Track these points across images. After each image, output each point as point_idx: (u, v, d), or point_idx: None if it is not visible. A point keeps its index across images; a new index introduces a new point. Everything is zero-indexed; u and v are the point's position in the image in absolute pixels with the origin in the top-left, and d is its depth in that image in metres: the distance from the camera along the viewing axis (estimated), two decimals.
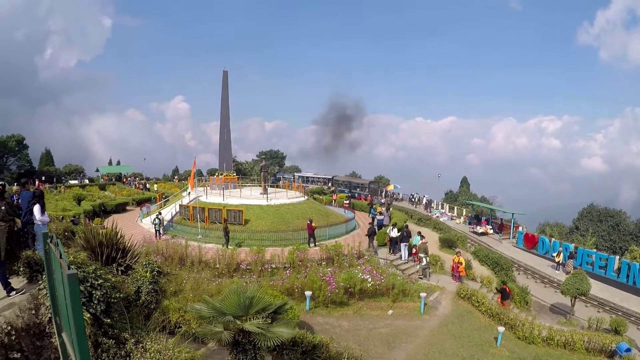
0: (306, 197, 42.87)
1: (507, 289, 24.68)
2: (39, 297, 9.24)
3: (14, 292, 9.79)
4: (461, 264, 26.67)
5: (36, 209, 12.18)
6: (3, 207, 10.91)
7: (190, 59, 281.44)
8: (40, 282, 9.78)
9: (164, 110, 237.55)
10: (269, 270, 24.00)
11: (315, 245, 29.04)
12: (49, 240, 5.92)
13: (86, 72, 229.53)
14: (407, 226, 31.14)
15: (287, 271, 23.20)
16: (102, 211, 43.63)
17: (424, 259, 26.45)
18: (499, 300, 24.43)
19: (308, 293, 20.81)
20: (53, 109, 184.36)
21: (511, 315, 21.03)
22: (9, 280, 10.06)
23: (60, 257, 4.72)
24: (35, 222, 12.26)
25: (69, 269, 4.18)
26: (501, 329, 18.97)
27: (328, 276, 21.88)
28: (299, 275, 22.77)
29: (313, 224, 30.41)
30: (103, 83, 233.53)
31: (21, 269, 10.65)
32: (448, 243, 34.91)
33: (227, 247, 27.59)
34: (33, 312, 8.90)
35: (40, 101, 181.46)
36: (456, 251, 28.69)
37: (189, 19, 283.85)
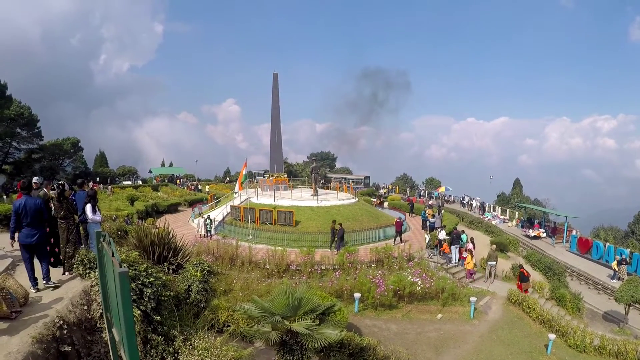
0: (357, 199, 42.99)
1: (524, 271, 25.30)
2: (91, 293, 9.76)
3: (51, 285, 10.35)
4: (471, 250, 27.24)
5: (88, 208, 12.63)
6: (64, 206, 11.55)
7: (241, 62, 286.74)
8: (93, 279, 10.15)
9: (215, 112, 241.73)
10: (319, 271, 24.21)
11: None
12: (102, 239, 6.35)
13: (139, 76, 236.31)
14: (456, 229, 31.07)
15: (337, 273, 23.35)
16: (155, 211, 44.63)
17: (491, 267, 26.47)
18: (518, 284, 25.09)
19: (357, 295, 20.92)
20: (107, 113, 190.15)
21: (563, 323, 20.79)
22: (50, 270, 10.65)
23: (112, 255, 5.08)
24: (87, 221, 12.86)
25: (120, 267, 4.44)
26: (552, 336, 18.74)
27: (377, 278, 21.97)
28: (348, 277, 22.84)
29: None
30: (155, 87, 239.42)
31: (75, 265, 10.95)
32: (500, 247, 34.52)
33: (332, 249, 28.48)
34: (85, 307, 9.36)
35: (95, 105, 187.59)
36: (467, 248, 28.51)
37: (239, 24, 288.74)
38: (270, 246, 28.82)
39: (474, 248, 27.52)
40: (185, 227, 36.32)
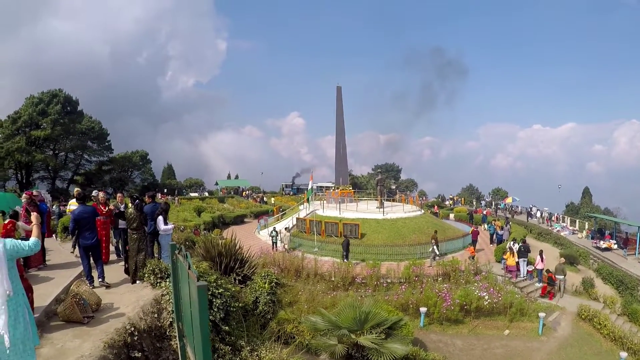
0: (422, 211, 42.95)
1: (552, 276, 25.64)
2: (162, 302, 10.32)
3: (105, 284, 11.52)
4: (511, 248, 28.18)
5: (159, 220, 13.37)
6: (139, 218, 12.37)
7: (303, 76, 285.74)
8: (163, 288, 10.79)
9: (280, 126, 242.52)
10: (385, 285, 24.28)
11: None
12: (176, 252, 6.86)
13: (204, 91, 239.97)
14: (524, 241, 30.81)
15: (403, 286, 23.32)
16: (221, 223, 45.74)
17: (560, 281, 26.32)
18: (544, 289, 25.65)
19: (423, 309, 20.96)
20: (174, 127, 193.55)
21: (635, 340, 20.39)
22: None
23: (189, 269, 5.37)
24: (159, 232, 13.62)
25: (198, 280, 4.75)
26: (624, 354, 18.27)
27: (444, 292, 21.92)
28: (414, 290, 22.84)
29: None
30: (220, 102, 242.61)
31: (146, 275, 11.66)
32: (570, 259, 33.91)
33: (345, 261, 28.07)
34: (155, 315, 9.92)
35: (162, 119, 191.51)
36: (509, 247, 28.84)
37: (299, 37, 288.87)
38: (335, 259, 29.29)
39: (543, 261, 27.28)
40: (252, 239, 37.12)
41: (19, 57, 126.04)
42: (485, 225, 44.72)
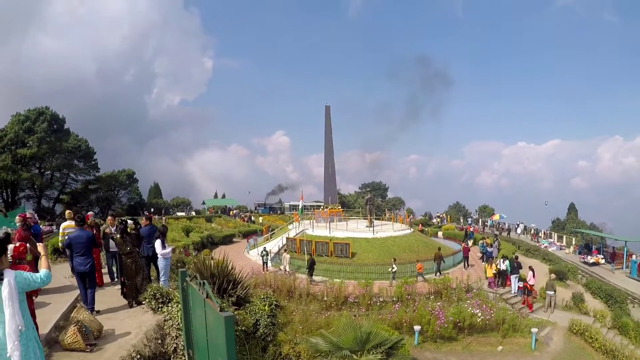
0: (412, 230, 43.27)
1: (528, 285, 26.95)
2: (165, 327, 10.29)
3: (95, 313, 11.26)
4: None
5: (157, 243, 13.65)
6: (128, 242, 12.54)
7: (289, 94, 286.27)
8: (166, 313, 10.77)
9: (265, 144, 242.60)
10: (378, 303, 24.57)
11: (311, 278, 29.62)
12: (187, 279, 7.14)
13: (190, 109, 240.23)
14: (517, 257, 31.27)
15: (396, 305, 23.74)
16: (210, 243, 45.47)
17: (551, 296, 26.77)
18: (526, 300, 26.46)
19: (417, 327, 21.29)
20: (160, 145, 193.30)
21: (626, 352, 20.83)
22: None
23: (207, 297, 5.66)
24: (157, 255, 13.88)
25: (220, 310, 5.01)
26: None
27: (437, 310, 22.27)
28: (407, 309, 23.16)
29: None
30: (206, 120, 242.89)
31: (147, 299, 11.55)
32: (559, 275, 34.24)
33: (309, 278, 29.10)
34: (159, 341, 9.91)
35: (148, 137, 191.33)
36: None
37: (285, 58, 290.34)
38: (326, 278, 29.59)
39: (534, 277, 27.72)
40: (241, 259, 37.08)
41: (5, 71, 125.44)
42: (470, 242, 45.09)
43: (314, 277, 29.99)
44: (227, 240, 50.57)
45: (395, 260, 30.94)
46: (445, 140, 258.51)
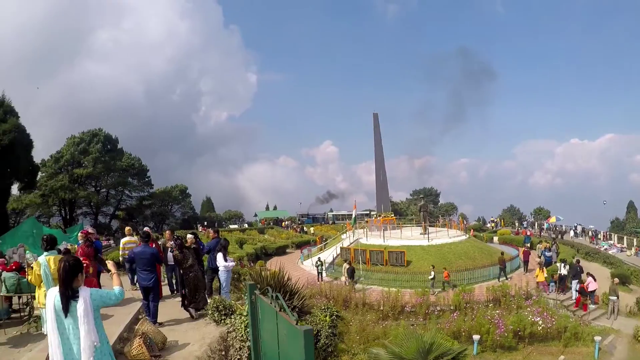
0: (467, 236, 43.02)
1: (584, 287, 25.96)
2: (228, 339, 10.47)
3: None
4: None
5: (219, 256, 13.99)
6: (187, 257, 12.82)
7: (335, 104, 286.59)
8: (229, 325, 10.98)
9: (314, 155, 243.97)
10: (435, 312, 24.33)
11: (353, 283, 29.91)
12: (257, 292, 7.24)
13: (237, 125, 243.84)
14: (578, 261, 30.50)
15: (454, 314, 23.46)
16: (264, 254, 46.20)
17: (614, 302, 26.12)
18: (578, 301, 25.92)
19: (476, 337, 20.92)
20: (210, 160, 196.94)
21: None
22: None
23: (281, 311, 5.70)
24: (219, 268, 14.15)
25: (296, 324, 5.04)
26: None
27: (496, 319, 21.87)
28: (465, 318, 22.82)
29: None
30: (253, 134, 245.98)
31: (210, 312, 11.89)
32: (621, 279, 33.27)
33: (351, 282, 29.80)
34: (223, 353, 10.09)
35: (198, 153, 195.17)
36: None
37: (326, 69, 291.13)
38: (382, 287, 29.53)
39: (595, 281, 27.08)
40: (295, 269, 37.24)
41: (57, 100, 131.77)
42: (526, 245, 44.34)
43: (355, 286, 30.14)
44: (281, 251, 50.95)
45: (433, 267, 30.98)
46: (495, 142, 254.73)
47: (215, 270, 14.88)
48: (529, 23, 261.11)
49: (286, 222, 78.32)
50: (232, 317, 11.01)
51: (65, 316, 5.29)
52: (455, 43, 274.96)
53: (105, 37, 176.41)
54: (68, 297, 5.30)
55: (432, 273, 30.10)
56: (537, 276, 29.27)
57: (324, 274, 34.10)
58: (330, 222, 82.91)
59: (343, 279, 32.23)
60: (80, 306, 5.26)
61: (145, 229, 20.45)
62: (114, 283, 6.08)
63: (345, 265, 33.06)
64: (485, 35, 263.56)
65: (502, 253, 34.65)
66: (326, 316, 12.81)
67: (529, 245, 44.00)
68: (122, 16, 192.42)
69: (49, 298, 5.42)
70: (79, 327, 5.28)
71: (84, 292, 5.40)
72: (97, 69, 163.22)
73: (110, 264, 6.76)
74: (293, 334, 5.04)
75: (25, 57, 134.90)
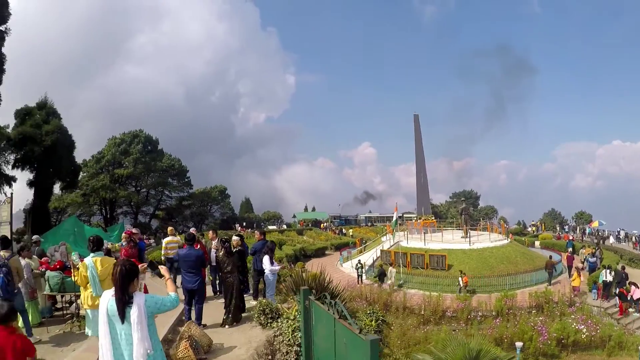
0: (509, 240, 42.73)
1: (624, 291, 25.56)
2: (275, 343, 10.28)
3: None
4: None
5: (266, 259, 14.14)
6: (231, 261, 12.99)
7: (373, 105, 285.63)
8: (275, 329, 10.90)
9: (351, 156, 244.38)
10: (477, 318, 24.29)
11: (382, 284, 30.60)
12: (311, 297, 7.35)
13: (275, 126, 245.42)
14: (623, 268, 30.23)
15: (497, 320, 23.39)
16: (302, 255, 46.55)
17: None
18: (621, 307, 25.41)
19: (519, 344, 20.32)
20: (250, 161, 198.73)
21: None
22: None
23: (340, 318, 5.79)
24: (265, 271, 14.42)
25: (360, 332, 4.96)
26: None
27: (539, 326, 21.68)
28: (508, 324, 22.71)
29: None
30: (291, 135, 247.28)
31: (255, 315, 11.94)
32: None
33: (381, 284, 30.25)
34: (270, 357, 10.01)
35: (237, 154, 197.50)
36: None
37: (364, 70, 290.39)
38: (422, 291, 29.65)
39: (639, 288, 26.75)
40: (335, 271, 37.11)
41: (98, 102, 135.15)
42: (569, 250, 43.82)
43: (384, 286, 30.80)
44: (320, 252, 51.42)
45: (462, 272, 31.06)
46: (535, 144, 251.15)
47: (260, 272, 15.05)
48: (567, 21, 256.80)
49: (325, 224, 79.02)
50: (279, 320, 11.03)
51: (122, 322, 5.29)
52: (493, 43, 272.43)
53: (144, 40, 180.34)
54: (124, 302, 5.28)
55: (460, 279, 30.14)
56: (573, 280, 29.03)
57: (364, 277, 34.23)
58: (362, 224, 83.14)
59: (389, 282, 32.25)
60: (134, 312, 5.24)
61: (192, 230, 20.94)
62: (169, 289, 6.04)
63: (392, 269, 33.09)
64: (523, 34, 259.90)
65: (550, 257, 34.59)
66: (372, 320, 12.60)
67: (571, 250, 43.44)
68: (160, 19, 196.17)
69: (102, 302, 5.46)
70: (133, 333, 5.26)
71: (139, 299, 5.39)
72: (136, 72, 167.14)
73: (163, 269, 6.76)
74: (356, 343, 4.94)
75: (67, 62, 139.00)
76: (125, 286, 5.27)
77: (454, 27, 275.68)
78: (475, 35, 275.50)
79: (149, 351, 5.29)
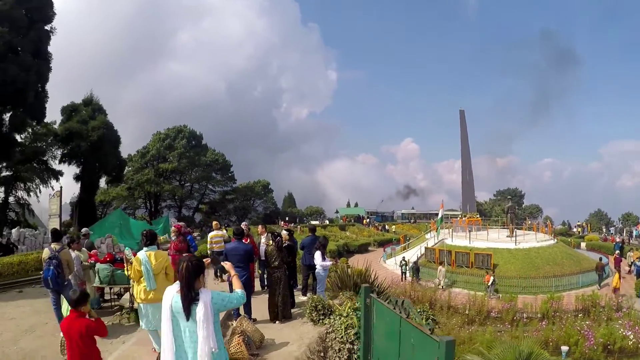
0: (555, 240, 42.28)
1: None
2: (327, 340, 10.15)
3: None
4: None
5: (317, 255, 14.03)
6: (280, 256, 12.92)
7: (415, 101, 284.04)
8: (328, 325, 10.72)
9: (394, 152, 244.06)
10: (522, 319, 24.18)
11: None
12: (372, 294, 7.45)
13: (318, 122, 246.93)
14: None
15: (543, 322, 23.17)
16: (346, 251, 46.58)
17: None
18: None
19: (564, 348, 20.43)
20: (292, 156, 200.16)
21: None
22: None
23: (407, 317, 5.80)
24: (316, 266, 14.65)
25: (432, 333, 4.89)
26: None
27: (585, 330, 21.32)
28: (554, 327, 22.41)
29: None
30: (334, 131, 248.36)
31: (307, 311, 11.87)
32: None
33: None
34: (322, 354, 9.93)
35: (279, 149, 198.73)
36: None
37: (406, 65, 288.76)
38: (466, 290, 29.64)
39: None
40: (378, 268, 37.01)
41: (143, 98, 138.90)
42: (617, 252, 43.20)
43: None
44: (363, 248, 51.47)
45: (493, 272, 31.18)
46: (580, 142, 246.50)
47: (310, 267, 15.09)
48: (616, 14, 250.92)
49: (367, 220, 79.18)
50: (331, 317, 10.93)
51: (187, 320, 5.17)
52: (537, 30, 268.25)
53: (186, 37, 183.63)
54: (190, 299, 5.16)
55: (492, 278, 30.11)
56: (615, 283, 28.73)
57: (407, 274, 34.30)
58: (399, 221, 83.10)
59: (437, 281, 32.29)
60: (200, 310, 5.09)
61: (243, 224, 21.35)
62: (235, 286, 5.88)
63: (441, 269, 33.04)
64: (568, 27, 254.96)
65: (600, 259, 34.37)
66: (422, 319, 13.00)
67: (619, 252, 42.86)
68: (201, 17, 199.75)
69: (165, 298, 5.36)
70: (197, 331, 5.12)
71: (205, 296, 5.22)
72: (179, 69, 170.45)
73: (228, 266, 6.49)
74: (426, 344, 4.91)
75: (112, 60, 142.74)
76: (191, 282, 5.17)
77: (496, 17, 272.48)
78: (519, 23, 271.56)
79: (213, 349, 5.18)
